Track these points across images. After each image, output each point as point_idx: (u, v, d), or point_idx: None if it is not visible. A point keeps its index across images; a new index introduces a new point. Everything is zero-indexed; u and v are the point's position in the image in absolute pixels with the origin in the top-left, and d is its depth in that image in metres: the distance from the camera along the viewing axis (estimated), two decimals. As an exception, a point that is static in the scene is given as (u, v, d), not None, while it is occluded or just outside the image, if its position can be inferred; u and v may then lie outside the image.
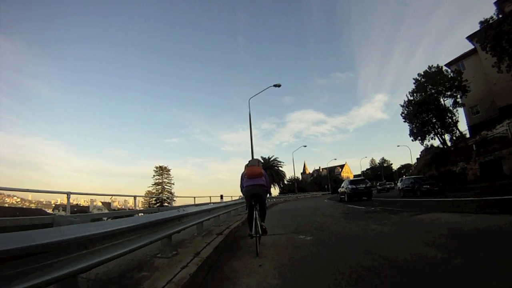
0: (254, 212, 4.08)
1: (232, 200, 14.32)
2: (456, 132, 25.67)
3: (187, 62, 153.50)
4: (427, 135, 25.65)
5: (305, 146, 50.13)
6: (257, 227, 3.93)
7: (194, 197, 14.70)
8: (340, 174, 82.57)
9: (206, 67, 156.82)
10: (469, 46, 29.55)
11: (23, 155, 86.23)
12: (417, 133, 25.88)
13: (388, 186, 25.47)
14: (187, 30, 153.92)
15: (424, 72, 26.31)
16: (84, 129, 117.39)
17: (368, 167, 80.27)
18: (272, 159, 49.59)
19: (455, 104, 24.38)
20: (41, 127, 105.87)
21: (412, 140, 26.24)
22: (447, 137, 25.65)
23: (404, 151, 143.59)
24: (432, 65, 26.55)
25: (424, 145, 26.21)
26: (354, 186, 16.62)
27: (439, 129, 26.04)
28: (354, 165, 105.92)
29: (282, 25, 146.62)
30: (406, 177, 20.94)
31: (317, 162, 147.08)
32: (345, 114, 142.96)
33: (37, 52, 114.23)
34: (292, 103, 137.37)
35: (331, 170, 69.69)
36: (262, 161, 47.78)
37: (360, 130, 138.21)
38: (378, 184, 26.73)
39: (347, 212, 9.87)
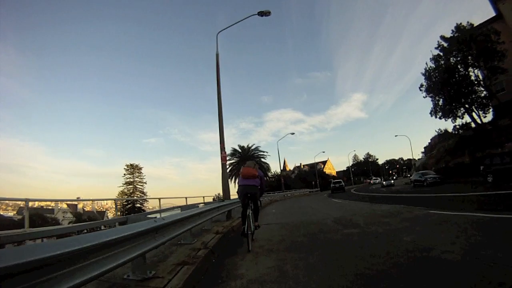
0: (248, 211, 4.30)
1: (183, 211, 6.47)
2: (489, 109, 20.20)
3: (164, 62, 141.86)
4: (459, 111, 19.70)
5: (292, 134, 43.51)
6: (249, 225, 4.18)
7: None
8: (322, 170, 77.59)
9: (183, 67, 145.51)
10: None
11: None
12: (446, 109, 19.82)
13: (392, 182, 30.26)
14: (164, 30, 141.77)
15: (453, 30, 20.34)
16: (60, 129, 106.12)
17: (352, 162, 76.44)
18: (252, 148, 39.98)
19: (495, 70, 18.67)
20: (17, 129, 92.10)
21: (439, 118, 20.11)
22: (479, 114, 19.95)
23: (387, 146, 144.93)
24: (461, 23, 20.78)
25: (456, 123, 20.19)
26: (334, 185, 29.65)
27: (467, 105, 20.37)
28: (335, 162, 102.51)
29: (261, 24, 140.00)
30: None
31: (296, 160, 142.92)
32: (323, 113, 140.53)
33: (13, 52, 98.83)
34: (270, 103, 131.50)
35: (313, 166, 63.91)
36: (240, 150, 39.75)
37: (338, 128, 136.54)
38: (384, 181, 32.42)
39: None
